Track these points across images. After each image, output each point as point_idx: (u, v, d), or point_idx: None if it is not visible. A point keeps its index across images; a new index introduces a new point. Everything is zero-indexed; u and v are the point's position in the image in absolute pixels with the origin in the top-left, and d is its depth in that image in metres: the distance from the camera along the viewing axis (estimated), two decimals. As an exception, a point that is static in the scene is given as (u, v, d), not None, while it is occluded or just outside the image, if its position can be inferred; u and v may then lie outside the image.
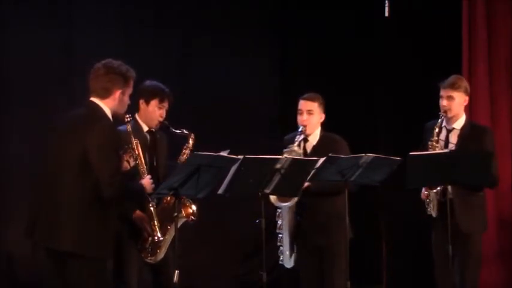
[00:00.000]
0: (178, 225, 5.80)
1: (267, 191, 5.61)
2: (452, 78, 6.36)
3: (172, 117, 6.04)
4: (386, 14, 8.24)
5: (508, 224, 7.75)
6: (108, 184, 4.94)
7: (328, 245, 6.15)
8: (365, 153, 5.83)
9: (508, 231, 7.75)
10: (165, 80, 6.45)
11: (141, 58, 7.48)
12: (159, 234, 5.67)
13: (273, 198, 6.08)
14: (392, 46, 8.23)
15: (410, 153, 6.14)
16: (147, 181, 5.36)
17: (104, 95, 5.16)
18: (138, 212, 5.73)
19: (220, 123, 7.99)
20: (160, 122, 5.97)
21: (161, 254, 5.83)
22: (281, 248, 6.33)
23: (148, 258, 5.80)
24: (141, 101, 5.97)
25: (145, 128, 5.98)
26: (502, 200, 7.76)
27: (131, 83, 5.24)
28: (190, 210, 5.86)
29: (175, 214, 5.50)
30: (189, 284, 5.89)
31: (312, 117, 6.30)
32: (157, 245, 5.77)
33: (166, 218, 5.78)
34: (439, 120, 6.24)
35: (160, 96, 5.96)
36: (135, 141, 5.50)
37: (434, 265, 6.36)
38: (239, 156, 5.38)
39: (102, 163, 4.96)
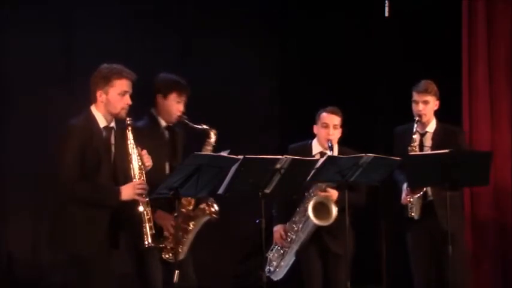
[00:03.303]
0: (201, 224, 5.84)
1: (267, 191, 5.61)
2: (425, 83, 6.46)
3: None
4: (387, 14, 8.25)
5: (508, 224, 7.74)
6: (60, 181, 5.13)
7: (342, 249, 6.15)
8: (365, 153, 5.84)
9: (508, 231, 7.74)
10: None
11: (141, 59, 7.49)
12: (149, 240, 5.29)
13: (312, 217, 6.11)
14: (392, 46, 8.23)
15: (411, 153, 6.17)
16: (127, 187, 5.23)
17: (93, 98, 5.32)
18: (159, 212, 5.60)
19: (220, 123, 7.96)
20: (179, 117, 5.82)
21: (182, 254, 5.79)
22: (274, 262, 6.31)
23: (169, 257, 5.72)
24: (159, 96, 5.81)
25: (163, 124, 5.84)
26: (502, 201, 7.75)
27: (114, 81, 5.27)
28: (213, 209, 5.83)
29: (175, 214, 5.49)
30: (189, 284, 5.89)
31: (337, 131, 6.33)
32: (178, 244, 5.71)
33: (187, 217, 5.80)
34: (416, 124, 6.36)
35: (179, 89, 5.82)
36: (130, 145, 5.31)
37: (412, 265, 6.51)
38: (239, 156, 5.37)
39: (58, 162, 5.16)
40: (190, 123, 5.83)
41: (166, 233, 5.71)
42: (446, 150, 6.05)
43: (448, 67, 7.90)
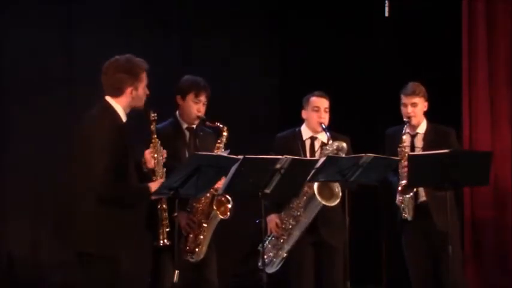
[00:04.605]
0: (216, 223, 5.86)
1: (267, 191, 5.60)
2: (413, 85, 6.52)
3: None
4: (387, 14, 8.25)
5: (508, 224, 7.74)
6: (96, 183, 4.94)
7: (337, 242, 6.15)
8: (365, 153, 5.84)
9: (508, 231, 7.74)
10: (165, 81, 6.45)
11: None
12: (165, 240, 5.41)
13: (318, 197, 6.06)
14: (392, 46, 8.23)
15: (410, 153, 6.18)
16: (155, 184, 5.20)
17: (116, 93, 5.16)
18: (178, 212, 5.55)
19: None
20: (199, 117, 5.87)
21: (201, 253, 5.82)
22: (270, 253, 6.27)
23: (189, 257, 5.76)
24: (178, 97, 5.89)
25: (184, 125, 5.90)
26: (502, 201, 7.75)
27: (142, 76, 5.19)
28: (229, 206, 5.83)
29: (175, 214, 5.47)
30: (189, 284, 5.89)
31: (327, 115, 6.32)
32: (196, 243, 5.76)
33: (202, 216, 5.81)
34: (405, 126, 6.41)
35: (195, 90, 5.86)
36: (156, 140, 5.35)
37: (408, 266, 6.56)
38: (239, 156, 5.37)
39: (92, 162, 4.96)
40: (207, 123, 5.89)
41: (184, 232, 5.74)
42: (446, 150, 6.04)
43: (448, 67, 7.90)
